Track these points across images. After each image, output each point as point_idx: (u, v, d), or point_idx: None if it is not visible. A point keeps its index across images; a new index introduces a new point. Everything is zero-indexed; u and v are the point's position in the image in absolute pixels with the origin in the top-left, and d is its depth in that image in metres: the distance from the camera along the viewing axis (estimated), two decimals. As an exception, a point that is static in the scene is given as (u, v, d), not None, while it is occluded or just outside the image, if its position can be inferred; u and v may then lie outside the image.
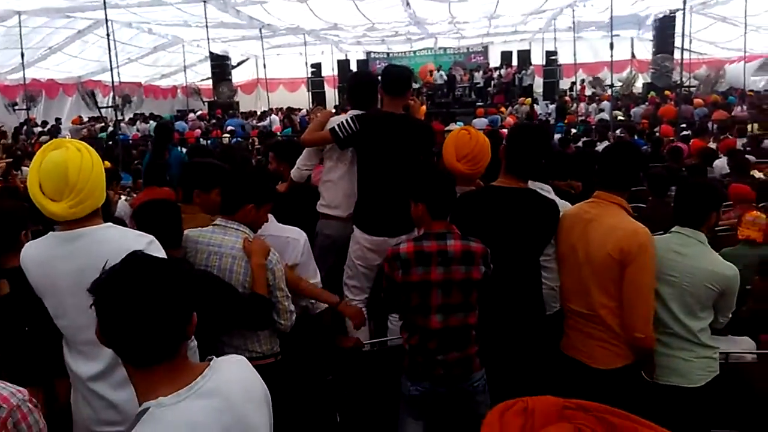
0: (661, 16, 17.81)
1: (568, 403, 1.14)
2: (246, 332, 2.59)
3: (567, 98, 19.28)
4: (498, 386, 2.64)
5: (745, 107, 14.86)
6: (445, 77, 23.35)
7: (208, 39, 15.23)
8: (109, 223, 2.09)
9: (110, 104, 13.24)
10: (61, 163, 1.93)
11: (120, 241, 1.98)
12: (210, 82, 20.92)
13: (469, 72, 24.17)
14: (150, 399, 1.23)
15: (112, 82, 11.26)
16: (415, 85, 22.39)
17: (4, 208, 2.58)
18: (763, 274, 3.60)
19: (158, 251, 2.03)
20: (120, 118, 14.01)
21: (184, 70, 20.12)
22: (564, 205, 2.91)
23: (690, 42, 15.98)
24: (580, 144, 9.80)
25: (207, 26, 14.44)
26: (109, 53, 10.67)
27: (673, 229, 2.70)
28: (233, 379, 1.36)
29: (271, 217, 3.02)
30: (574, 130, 12.60)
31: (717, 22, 19.03)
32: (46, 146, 2.03)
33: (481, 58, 26.83)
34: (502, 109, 17.81)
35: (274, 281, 2.56)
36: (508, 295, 2.67)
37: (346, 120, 3.30)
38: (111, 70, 10.87)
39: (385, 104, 3.36)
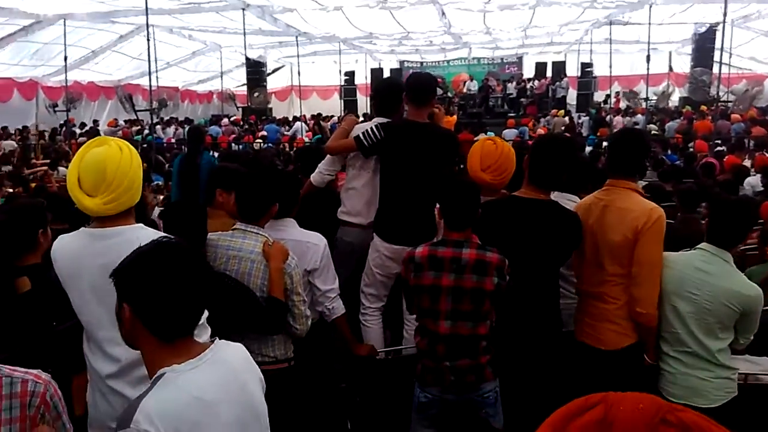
0: (701, 29, 17.50)
1: (667, 415, 0.72)
2: (260, 336, 2.61)
3: (602, 111, 19.05)
4: (512, 399, 2.64)
5: (785, 123, 14.48)
6: (478, 87, 23.29)
7: (245, 45, 15.52)
8: (141, 224, 2.13)
9: (147, 108, 13.54)
10: (101, 160, 1.99)
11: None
12: (245, 88, 21.24)
13: (502, 82, 24.05)
14: (160, 369, 1.41)
15: (150, 86, 11.53)
16: (448, 95, 22.47)
17: (20, 207, 2.67)
18: None
19: None
20: (155, 121, 14.32)
21: (221, 76, 20.46)
22: None
23: (730, 56, 15.70)
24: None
25: (245, 33, 14.71)
26: (149, 58, 10.92)
27: (699, 246, 2.66)
28: (235, 354, 1.59)
29: (292, 221, 3.07)
30: (605, 143, 12.42)
31: (759, 36, 18.64)
32: (90, 142, 2.10)
33: (515, 68, 26.65)
34: (529, 121, 17.61)
35: (292, 285, 2.60)
36: (525, 307, 2.68)
37: (371, 128, 3.32)
38: (150, 74, 11.14)
39: (410, 113, 3.38)
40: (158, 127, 16.17)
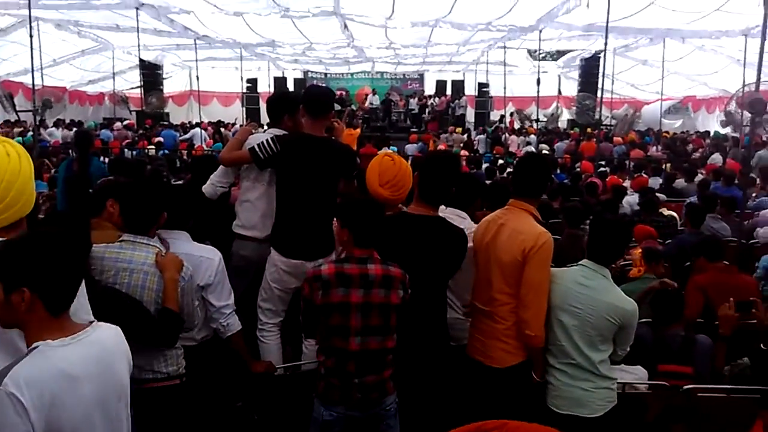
0: (587, 56, 18.74)
1: None
2: (151, 351, 2.52)
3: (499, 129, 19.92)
4: (406, 410, 2.68)
5: (659, 147, 15.80)
6: (379, 101, 23.70)
7: (139, 46, 14.83)
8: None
9: (29, 108, 12.58)
10: None
11: None
12: (139, 90, 20.28)
13: (405, 98, 24.60)
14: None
15: (33, 84, 10.73)
16: (352, 108, 22.65)
17: None
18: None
19: None
20: (38, 122, 13.32)
21: (113, 77, 19.40)
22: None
23: (612, 82, 16.92)
24: (505, 174, 10.11)
25: (138, 32, 14.06)
26: (31, 54, 10.12)
27: (581, 262, 2.83)
28: (110, 336, 1.75)
29: (185, 234, 2.96)
30: (501, 161, 12.99)
31: (637, 65, 20.22)
32: None
33: (418, 84, 27.37)
34: (430, 137, 18.11)
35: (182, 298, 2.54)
36: (412, 321, 2.69)
37: (267, 141, 3.26)
38: (33, 71, 10.36)
39: (307, 125, 3.33)
40: (42, 129, 15.05)
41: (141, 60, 18.14)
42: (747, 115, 6.57)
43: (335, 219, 2.90)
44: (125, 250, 2.54)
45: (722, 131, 17.15)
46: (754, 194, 8.99)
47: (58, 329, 1.61)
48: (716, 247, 4.34)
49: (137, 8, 13.40)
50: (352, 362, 2.52)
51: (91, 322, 1.71)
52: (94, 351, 1.66)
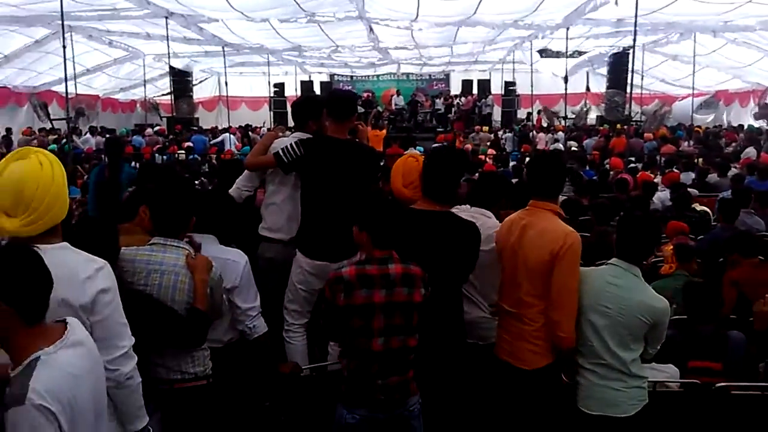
0: (615, 52, 18.46)
1: None
2: (179, 352, 2.55)
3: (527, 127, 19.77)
4: (429, 411, 2.66)
5: (691, 142, 15.46)
6: (404, 102, 23.73)
7: (169, 54, 15.11)
8: (65, 243, 2.03)
9: (63, 117, 12.91)
10: (19, 178, 1.89)
11: (71, 266, 1.96)
12: (169, 97, 20.65)
13: (431, 98, 24.56)
14: (31, 352, 1.62)
15: (66, 93, 11.02)
16: (379, 109, 22.71)
17: None
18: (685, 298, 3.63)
19: (108, 277, 2.05)
20: (71, 130, 13.65)
21: (144, 84, 19.81)
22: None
23: (642, 78, 16.64)
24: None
25: (168, 41, 14.33)
26: (65, 64, 10.44)
27: (610, 261, 2.78)
28: (81, 329, 1.81)
29: (212, 238, 3.01)
30: (528, 159, 12.86)
31: (668, 60, 19.85)
32: (11, 155, 1.97)
33: (443, 85, 27.29)
34: (458, 136, 18.05)
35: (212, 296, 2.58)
36: (427, 318, 2.64)
37: (291, 145, 3.29)
38: (66, 81, 10.66)
39: (330, 129, 3.36)
40: (75, 137, 15.42)
41: (171, 67, 18.49)
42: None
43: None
44: (156, 252, 2.57)
45: (756, 124, 16.73)
46: (791, 188, 8.75)
47: (43, 336, 1.67)
48: (751, 241, 4.23)
49: (166, 17, 13.64)
50: (375, 363, 2.51)
51: (63, 320, 1.77)
52: (82, 349, 1.75)
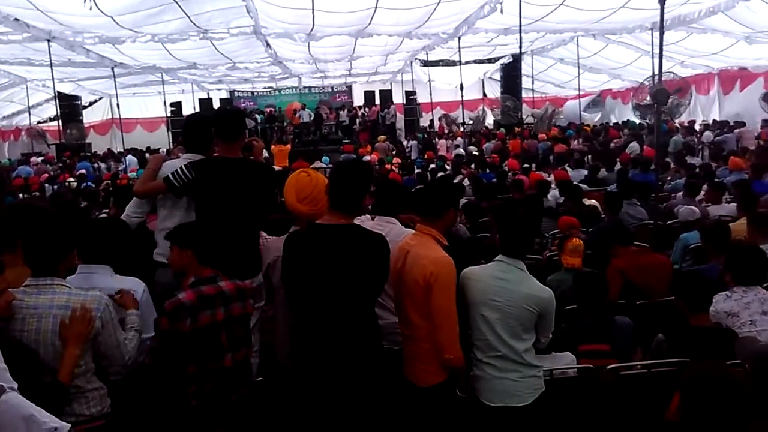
0: (505, 61, 19.33)
1: None
2: (71, 394, 2.42)
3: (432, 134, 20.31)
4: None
5: (580, 140, 16.43)
6: (312, 115, 23.76)
7: (54, 78, 14.31)
8: None
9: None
10: None
11: None
12: (57, 123, 19.54)
13: (335, 110, 24.74)
14: None
15: (-63, 124, 10.21)
16: (283, 124, 22.55)
17: None
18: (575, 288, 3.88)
19: None
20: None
21: (29, 111, 18.67)
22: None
23: (533, 82, 17.53)
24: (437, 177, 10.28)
25: (52, 66, 13.57)
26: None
27: (497, 258, 2.93)
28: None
29: (107, 268, 2.90)
30: (432, 165, 13.21)
31: (556, 63, 21.01)
32: None
33: (346, 97, 27.52)
34: (365, 147, 18.29)
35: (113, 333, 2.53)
36: (340, 336, 2.63)
37: (181, 168, 3.23)
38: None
39: (221, 149, 3.32)
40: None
41: (57, 92, 17.52)
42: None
43: (171, 246, 2.84)
44: (28, 296, 2.43)
45: (638, 121, 18.00)
46: (669, 178, 9.50)
47: None
48: (624, 232, 4.56)
49: (48, 41, 12.92)
50: (228, 380, 2.62)
51: None
52: None
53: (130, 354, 2.60)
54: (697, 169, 9.26)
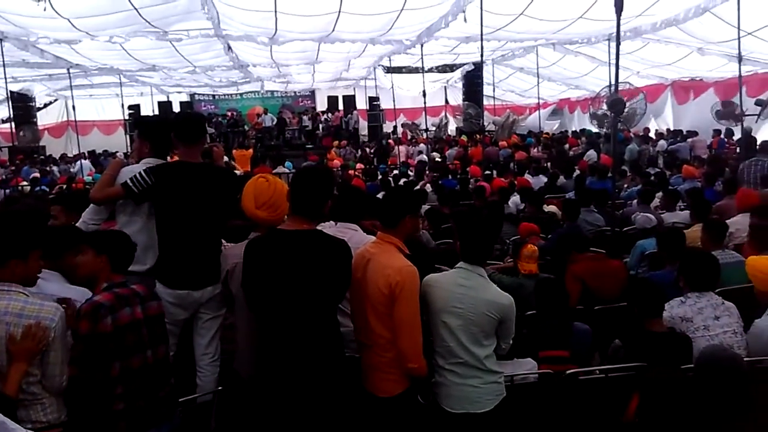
0: (469, 68, 19.57)
1: None
2: (27, 401, 2.39)
3: (391, 141, 20.35)
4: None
5: (540, 148, 16.74)
6: (274, 119, 23.60)
7: (6, 78, 13.87)
8: None
9: None
10: None
11: None
12: (9, 125, 18.91)
13: (297, 115, 24.63)
14: None
15: None
16: (245, 128, 22.33)
17: None
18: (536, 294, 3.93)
19: None
20: None
21: (-22, 113, 18.05)
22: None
23: (494, 90, 17.78)
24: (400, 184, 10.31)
25: (4, 65, 13.16)
26: None
27: (457, 265, 2.94)
28: None
29: (56, 275, 2.83)
30: (395, 171, 13.27)
31: (516, 72, 21.36)
32: None
33: (309, 101, 27.45)
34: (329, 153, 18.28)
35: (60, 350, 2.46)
36: (305, 342, 2.61)
37: (140, 173, 3.17)
38: None
39: (181, 153, 3.27)
40: None
41: (11, 92, 16.99)
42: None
43: (86, 250, 2.81)
44: None
45: (595, 129, 18.42)
46: (625, 185, 9.74)
47: None
48: (580, 239, 4.67)
49: (1, 40, 12.54)
50: (153, 376, 2.68)
51: None
52: None
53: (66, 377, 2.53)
54: (652, 177, 9.52)
